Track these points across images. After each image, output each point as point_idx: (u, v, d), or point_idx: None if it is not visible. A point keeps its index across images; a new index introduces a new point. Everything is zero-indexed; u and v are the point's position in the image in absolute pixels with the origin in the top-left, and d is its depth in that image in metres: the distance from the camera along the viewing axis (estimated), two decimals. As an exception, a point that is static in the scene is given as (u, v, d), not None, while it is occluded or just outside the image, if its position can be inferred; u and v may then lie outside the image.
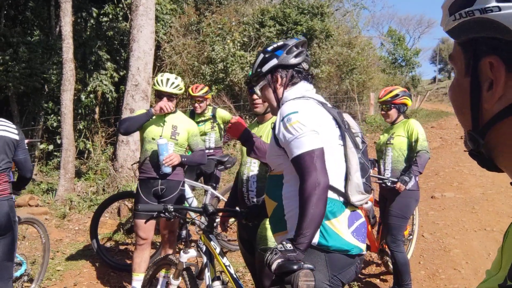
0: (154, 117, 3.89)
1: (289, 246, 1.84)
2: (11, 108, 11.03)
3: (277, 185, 2.15)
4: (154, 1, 8.07)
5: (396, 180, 3.86)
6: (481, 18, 0.63)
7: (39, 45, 10.32)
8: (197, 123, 5.36)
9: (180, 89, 3.90)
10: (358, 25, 21.69)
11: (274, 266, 1.78)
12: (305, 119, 1.96)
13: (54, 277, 4.55)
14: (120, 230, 5.85)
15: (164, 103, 3.81)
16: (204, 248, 2.88)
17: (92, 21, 11.48)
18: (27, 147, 3.45)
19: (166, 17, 12.62)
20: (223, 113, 5.99)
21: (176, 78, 3.90)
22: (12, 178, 3.92)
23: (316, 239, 1.96)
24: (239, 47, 13.19)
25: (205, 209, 2.89)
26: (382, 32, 45.86)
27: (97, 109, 12.07)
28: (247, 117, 13.19)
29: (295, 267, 1.76)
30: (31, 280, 4.34)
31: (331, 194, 2.00)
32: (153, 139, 3.85)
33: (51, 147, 10.58)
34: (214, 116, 5.86)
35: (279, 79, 2.21)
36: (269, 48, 2.25)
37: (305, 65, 2.22)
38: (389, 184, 3.91)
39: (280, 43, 2.24)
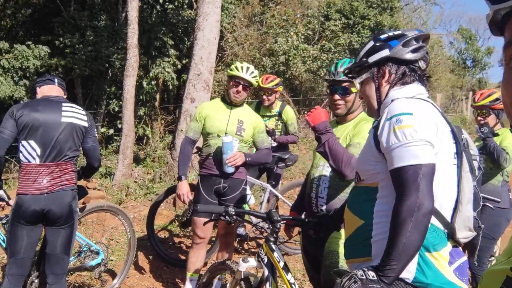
0: (217, 110, 3.70)
1: (372, 275, 1.52)
2: (75, 91, 11.28)
3: (367, 200, 1.78)
4: (222, -11, 7.88)
5: (487, 196, 3.40)
6: None
7: (105, 30, 10.46)
8: (262, 117, 5.01)
9: (256, 81, 3.72)
10: (428, 22, 20.64)
11: None
12: (420, 124, 1.59)
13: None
14: (175, 222, 5.73)
15: (184, 195, 3.66)
16: (265, 260, 2.56)
17: (158, 7, 11.50)
18: (96, 135, 3.31)
19: (230, 7, 12.45)
20: (291, 113, 5.45)
21: (254, 69, 3.68)
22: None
23: (411, 274, 1.60)
24: (302, 40, 12.82)
25: (269, 216, 2.58)
26: (450, 31, 43.64)
27: (157, 96, 12.14)
28: (305, 112, 12.84)
29: None
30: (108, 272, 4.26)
31: (435, 222, 1.64)
32: (218, 135, 3.62)
33: (111, 131, 10.72)
34: (280, 114, 5.42)
35: (387, 75, 1.82)
36: (383, 36, 1.86)
37: (422, 64, 1.82)
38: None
39: (398, 32, 1.85)
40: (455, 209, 1.71)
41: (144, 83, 10.86)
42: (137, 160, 8.98)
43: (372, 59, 1.84)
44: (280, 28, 12.89)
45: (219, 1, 7.77)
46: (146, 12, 11.49)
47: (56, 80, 3.22)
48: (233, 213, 2.57)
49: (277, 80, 5.27)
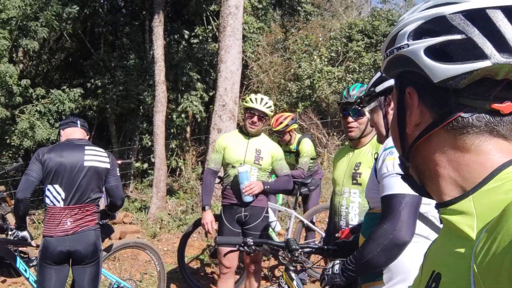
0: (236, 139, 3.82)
1: (336, 269, 1.81)
2: (109, 129, 11.74)
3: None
4: (241, 21, 8.11)
5: None
6: (397, 55, 0.74)
7: (134, 69, 10.88)
8: (284, 152, 4.67)
9: (271, 111, 3.82)
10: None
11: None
12: None
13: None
14: (207, 252, 5.83)
15: (208, 224, 3.77)
16: None
17: (184, 43, 11.90)
18: (119, 174, 3.45)
19: (253, 36, 12.73)
20: (305, 147, 5.26)
21: (269, 100, 3.81)
22: (106, 202, 3.97)
23: None
24: (326, 63, 12.92)
25: (287, 245, 2.64)
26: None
27: (188, 128, 12.43)
28: (334, 133, 12.82)
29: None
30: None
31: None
32: (233, 167, 3.74)
33: (145, 165, 11.04)
34: (297, 149, 5.33)
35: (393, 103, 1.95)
36: None
37: None
38: None
39: None
40: None
41: (175, 117, 11.17)
42: (171, 192, 9.20)
43: (379, 88, 1.97)
44: (303, 52, 13.05)
45: (239, 33, 8.00)
46: (172, 48, 11.91)
47: (78, 122, 3.37)
48: (252, 243, 2.64)
49: (287, 120, 5.14)
